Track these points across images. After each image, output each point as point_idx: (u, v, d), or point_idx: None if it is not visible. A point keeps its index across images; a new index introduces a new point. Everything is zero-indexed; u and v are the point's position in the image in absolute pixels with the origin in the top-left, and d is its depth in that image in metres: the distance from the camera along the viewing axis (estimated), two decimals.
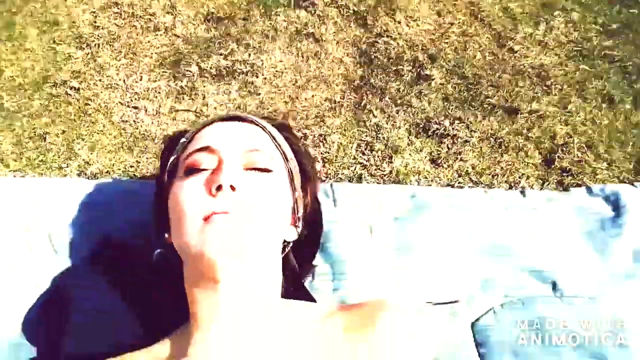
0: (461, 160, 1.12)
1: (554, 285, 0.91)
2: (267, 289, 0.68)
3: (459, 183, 1.10)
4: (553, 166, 1.11)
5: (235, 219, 0.62)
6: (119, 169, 1.12)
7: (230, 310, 0.63)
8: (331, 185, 1.05)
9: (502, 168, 1.12)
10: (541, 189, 1.09)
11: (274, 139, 0.75)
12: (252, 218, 0.64)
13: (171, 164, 0.74)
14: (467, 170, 1.11)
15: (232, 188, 0.64)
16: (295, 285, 0.78)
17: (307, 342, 0.63)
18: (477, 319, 0.88)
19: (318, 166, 1.10)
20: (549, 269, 0.92)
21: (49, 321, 0.82)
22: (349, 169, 1.12)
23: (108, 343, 0.73)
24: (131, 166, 1.12)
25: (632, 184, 1.05)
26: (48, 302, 0.84)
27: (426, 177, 1.11)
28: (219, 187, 0.63)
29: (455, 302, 0.89)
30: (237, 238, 0.62)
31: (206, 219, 0.62)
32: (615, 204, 1.01)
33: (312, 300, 0.80)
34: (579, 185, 1.08)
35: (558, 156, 1.12)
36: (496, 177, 1.11)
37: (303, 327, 0.65)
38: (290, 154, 0.77)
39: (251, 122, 0.76)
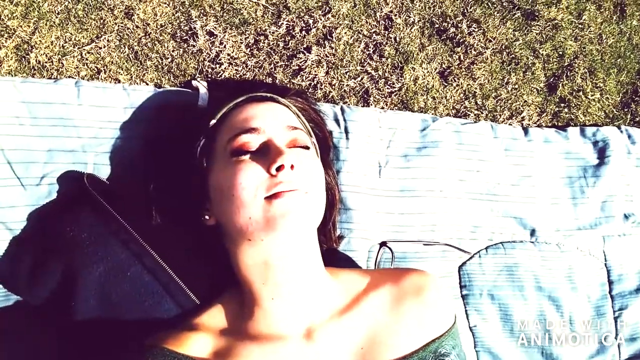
0: (471, 77, 1.05)
1: (533, 232, 1.01)
2: (318, 261, 0.73)
3: (464, 108, 1.05)
4: (554, 94, 1.09)
5: (301, 195, 0.65)
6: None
7: (292, 284, 0.68)
8: (342, 109, 0.96)
9: (507, 91, 1.07)
10: (538, 119, 1.09)
11: (299, 116, 0.77)
12: (314, 192, 0.68)
13: (203, 147, 0.72)
14: (474, 92, 1.05)
15: (292, 167, 0.65)
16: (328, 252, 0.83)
17: (358, 313, 0.70)
18: (464, 263, 0.98)
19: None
20: (531, 216, 1.01)
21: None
22: (355, 79, 1.00)
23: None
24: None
25: (619, 127, 1.10)
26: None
27: (434, 98, 1.03)
28: (280, 167, 0.64)
29: (466, 252, 0.96)
30: (309, 212, 0.66)
31: (271, 197, 0.64)
32: (601, 152, 1.06)
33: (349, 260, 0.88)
34: (571, 119, 1.10)
35: (561, 82, 1.10)
36: (500, 102, 1.07)
37: (352, 297, 0.72)
38: (310, 130, 0.79)
39: (276, 101, 0.75)
